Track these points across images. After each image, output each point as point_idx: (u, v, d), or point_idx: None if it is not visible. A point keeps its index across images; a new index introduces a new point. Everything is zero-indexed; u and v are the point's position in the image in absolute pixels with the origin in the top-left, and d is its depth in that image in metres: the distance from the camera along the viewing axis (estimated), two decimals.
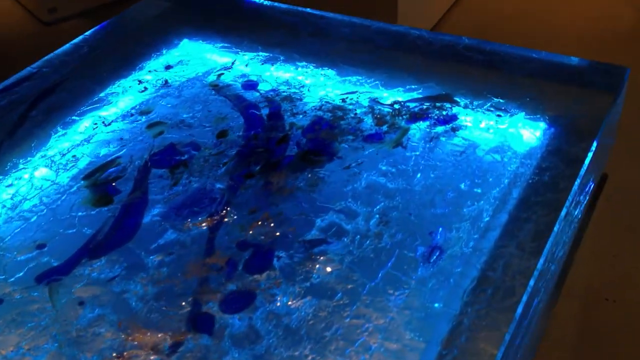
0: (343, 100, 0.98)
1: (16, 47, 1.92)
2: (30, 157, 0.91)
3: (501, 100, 0.96)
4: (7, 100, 1.01)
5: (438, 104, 0.95)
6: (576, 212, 0.89)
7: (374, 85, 1.02)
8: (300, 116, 0.95)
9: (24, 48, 1.95)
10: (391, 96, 0.99)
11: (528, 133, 0.91)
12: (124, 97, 1.02)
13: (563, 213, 0.80)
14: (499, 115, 0.93)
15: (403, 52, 1.09)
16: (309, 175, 0.85)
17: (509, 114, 0.94)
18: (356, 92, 1.00)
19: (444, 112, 0.94)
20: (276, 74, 1.06)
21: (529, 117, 0.94)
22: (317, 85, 1.02)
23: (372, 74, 1.05)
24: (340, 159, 0.88)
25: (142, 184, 0.85)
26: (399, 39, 1.12)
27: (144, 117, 0.97)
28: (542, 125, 0.92)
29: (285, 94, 1.00)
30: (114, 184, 0.85)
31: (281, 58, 1.10)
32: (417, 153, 0.89)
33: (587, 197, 0.96)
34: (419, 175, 0.86)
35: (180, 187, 0.84)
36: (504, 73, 1.02)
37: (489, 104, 0.96)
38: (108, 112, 1.00)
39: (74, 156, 0.91)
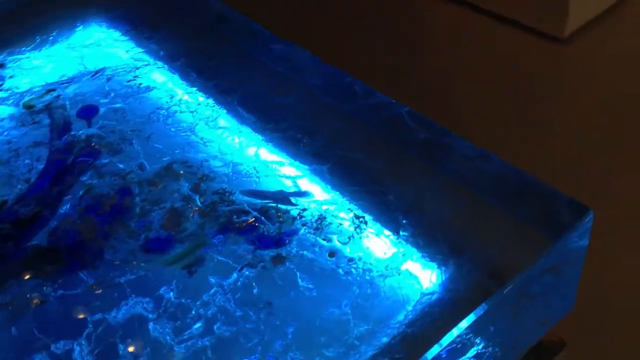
0: (169, 167, 0.69)
1: None
2: None
3: (367, 216, 0.63)
4: None
5: (282, 206, 0.64)
6: None
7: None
8: (98, 180, 0.68)
9: None
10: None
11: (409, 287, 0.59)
12: None
13: None
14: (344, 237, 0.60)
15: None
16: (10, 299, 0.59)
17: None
18: (203, 154, 0.71)
19: (280, 221, 0.63)
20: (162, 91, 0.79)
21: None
22: (177, 128, 0.75)
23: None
24: (94, 272, 0.61)
25: None
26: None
27: None
28: (432, 275, 0.59)
29: (114, 136, 0.73)
30: None
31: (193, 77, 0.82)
32: (212, 286, 0.60)
33: None
34: (196, 326, 0.57)
35: None
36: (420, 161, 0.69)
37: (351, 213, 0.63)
38: None
39: None
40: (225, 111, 0.77)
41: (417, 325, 0.56)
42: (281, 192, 0.65)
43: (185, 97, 0.79)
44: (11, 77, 0.81)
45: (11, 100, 0.77)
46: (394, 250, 0.61)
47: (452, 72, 1.41)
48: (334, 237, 0.62)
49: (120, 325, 0.57)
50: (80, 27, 0.91)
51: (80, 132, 0.73)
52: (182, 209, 0.64)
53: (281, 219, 0.63)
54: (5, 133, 0.74)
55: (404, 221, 0.64)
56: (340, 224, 0.63)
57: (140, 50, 0.86)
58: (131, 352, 0.55)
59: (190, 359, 0.55)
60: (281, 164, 0.70)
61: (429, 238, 0.62)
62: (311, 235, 0.62)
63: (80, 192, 0.66)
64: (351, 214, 0.63)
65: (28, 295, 0.58)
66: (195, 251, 0.60)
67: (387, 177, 0.68)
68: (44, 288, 0.59)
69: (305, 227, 0.62)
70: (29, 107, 0.76)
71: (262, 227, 0.62)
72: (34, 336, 0.56)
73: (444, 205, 0.64)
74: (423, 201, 0.65)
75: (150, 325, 0.57)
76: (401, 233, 0.62)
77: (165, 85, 0.81)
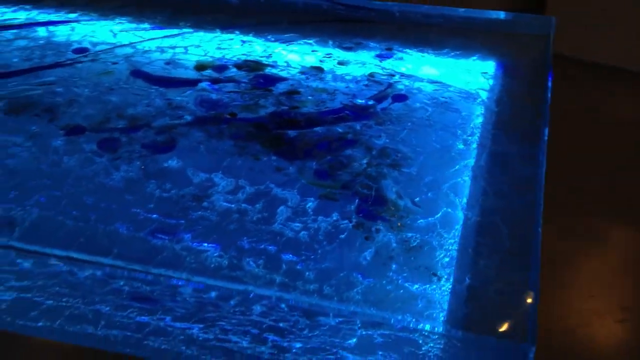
0: (384, 148, 0.93)
1: None
2: None
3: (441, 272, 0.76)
4: None
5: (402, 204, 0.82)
6: None
7: None
8: (353, 134, 0.96)
9: None
10: None
11: None
12: None
13: None
14: None
15: None
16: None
17: None
18: (431, 169, 0.92)
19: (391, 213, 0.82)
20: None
21: None
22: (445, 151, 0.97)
23: None
24: (288, 162, 0.91)
25: None
26: None
27: None
28: None
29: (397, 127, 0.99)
30: None
31: None
32: (330, 214, 0.84)
33: None
34: (295, 224, 0.84)
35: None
36: None
37: None
38: None
39: None
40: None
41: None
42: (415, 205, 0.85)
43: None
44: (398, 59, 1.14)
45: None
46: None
47: None
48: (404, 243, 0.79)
49: (271, 196, 0.87)
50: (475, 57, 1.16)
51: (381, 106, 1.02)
52: (354, 166, 0.89)
53: (394, 213, 0.83)
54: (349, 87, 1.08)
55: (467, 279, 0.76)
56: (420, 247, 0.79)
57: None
58: (256, 210, 0.85)
59: (289, 243, 0.81)
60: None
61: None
62: (396, 234, 0.81)
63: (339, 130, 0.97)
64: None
65: (249, 156, 0.93)
66: (330, 189, 0.86)
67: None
68: (265, 153, 0.93)
69: (395, 228, 0.81)
70: (371, 75, 1.08)
71: (371, 208, 0.84)
72: (241, 174, 0.91)
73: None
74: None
75: (282, 207, 0.86)
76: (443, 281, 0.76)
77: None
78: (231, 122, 0.98)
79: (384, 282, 0.76)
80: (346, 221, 0.83)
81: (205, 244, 0.81)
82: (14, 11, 1.29)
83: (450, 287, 0.76)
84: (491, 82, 1.09)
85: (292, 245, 0.81)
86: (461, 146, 0.95)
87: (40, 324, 0.84)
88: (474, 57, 1.16)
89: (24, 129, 0.99)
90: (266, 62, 1.13)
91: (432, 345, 0.74)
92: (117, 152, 0.94)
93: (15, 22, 1.26)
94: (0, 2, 1.31)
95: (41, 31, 1.23)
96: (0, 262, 0.84)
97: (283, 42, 1.19)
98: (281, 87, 1.07)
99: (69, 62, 1.14)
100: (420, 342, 0.74)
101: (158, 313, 0.81)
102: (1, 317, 0.86)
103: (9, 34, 1.22)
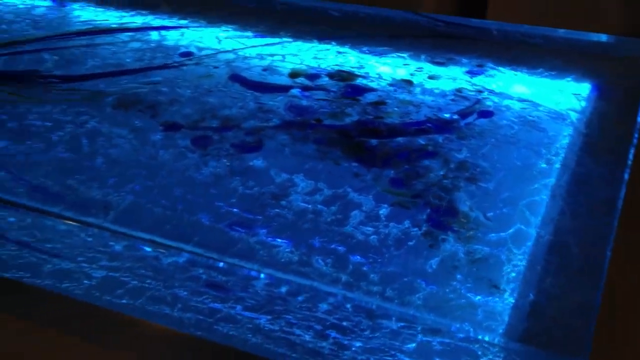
0: (464, 163, 0.93)
1: None
2: None
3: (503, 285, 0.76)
4: None
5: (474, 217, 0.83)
6: None
7: None
8: (434, 144, 0.97)
9: None
10: None
11: None
12: None
13: None
14: None
15: None
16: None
17: None
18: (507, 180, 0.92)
19: (463, 225, 0.82)
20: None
21: None
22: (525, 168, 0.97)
23: None
24: (362, 168, 0.93)
25: None
26: None
27: None
28: None
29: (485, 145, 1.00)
30: None
31: None
32: (401, 221, 0.86)
33: None
34: (368, 228, 0.86)
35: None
36: None
37: None
38: None
39: None
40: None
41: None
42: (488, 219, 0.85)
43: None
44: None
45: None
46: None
47: None
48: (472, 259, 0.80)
49: (346, 200, 0.90)
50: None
51: (465, 121, 1.03)
52: (429, 177, 0.91)
53: (464, 225, 0.84)
54: (436, 101, 1.09)
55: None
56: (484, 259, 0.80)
57: None
58: (331, 212, 0.88)
59: (358, 245, 0.84)
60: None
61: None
62: (463, 245, 0.81)
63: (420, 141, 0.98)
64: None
65: (330, 161, 0.97)
66: (402, 197, 0.88)
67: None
68: (346, 159, 0.96)
69: (463, 239, 0.82)
70: (459, 90, 1.09)
71: (442, 218, 0.85)
72: (321, 177, 0.95)
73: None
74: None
75: (355, 211, 0.89)
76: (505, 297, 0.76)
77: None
78: (316, 128, 1.02)
79: (447, 290, 0.77)
80: (416, 229, 0.85)
81: (279, 240, 0.85)
82: (132, 15, 1.39)
83: (513, 301, 0.76)
84: (583, 103, 1.08)
85: (361, 247, 0.83)
86: (543, 165, 0.95)
87: (123, 301, 0.91)
88: (569, 78, 1.14)
89: (128, 123, 1.08)
90: (358, 73, 1.16)
91: (491, 357, 0.74)
92: (207, 149, 1.00)
93: (132, 25, 1.36)
94: (120, 7, 1.42)
95: (154, 35, 1.32)
96: (96, 244, 0.91)
97: (376, 55, 1.22)
98: (369, 97, 1.09)
99: (175, 64, 1.22)
100: (479, 353, 0.74)
101: (230, 302, 0.85)
102: (91, 292, 0.93)
103: (125, 36, 1.32)
